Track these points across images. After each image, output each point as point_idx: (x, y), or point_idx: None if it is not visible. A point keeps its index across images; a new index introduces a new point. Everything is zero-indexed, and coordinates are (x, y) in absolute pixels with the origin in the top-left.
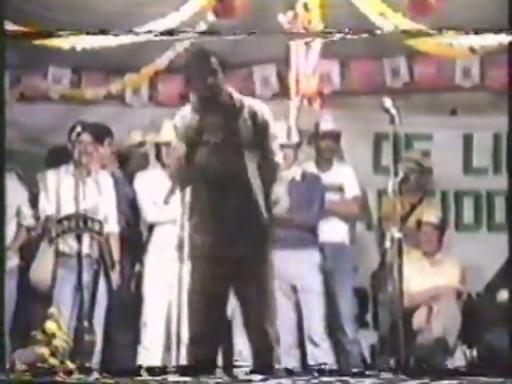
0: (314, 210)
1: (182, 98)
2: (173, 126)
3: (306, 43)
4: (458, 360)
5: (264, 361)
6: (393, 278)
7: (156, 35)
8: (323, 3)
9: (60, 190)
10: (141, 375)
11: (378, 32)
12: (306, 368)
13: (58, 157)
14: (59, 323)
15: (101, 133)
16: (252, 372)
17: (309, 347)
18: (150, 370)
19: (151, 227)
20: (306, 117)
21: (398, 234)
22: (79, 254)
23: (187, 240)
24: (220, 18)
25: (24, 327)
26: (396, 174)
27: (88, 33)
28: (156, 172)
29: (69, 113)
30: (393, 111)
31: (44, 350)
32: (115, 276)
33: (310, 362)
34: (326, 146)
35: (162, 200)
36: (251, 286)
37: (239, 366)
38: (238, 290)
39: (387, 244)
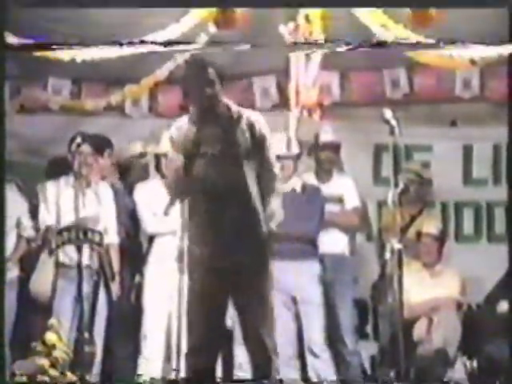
0: (313, 221)
1: (182, 109)
2: (169, 137)
3: (306, 54)
4: (458, 371)
5: (263, 372)
6: (393, 290)
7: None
8: (325, 15)
9: (60, 201)
10: None
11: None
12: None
13: (58, 168)
14: (59, 334)
15: (101, 144)
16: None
17: (309, 358)
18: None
19: (151, 238)
20: (306, 128)
21: (397, 245)
22: (79, 265)
23: (186, 251)
24: (221, 30)
25: (24, 338)
26: (396, 185)
27: (89, 45)
28: (156, 183)
29: (69, 124)
30: (393, 122)
31: (44, 361)
32: (115, 287)
33: (310, 373)
34: (325, 158)
35: (162, 211)
36: (249, 297)
37: (239, 378)
38: (237, 300)
39: (387, 255)
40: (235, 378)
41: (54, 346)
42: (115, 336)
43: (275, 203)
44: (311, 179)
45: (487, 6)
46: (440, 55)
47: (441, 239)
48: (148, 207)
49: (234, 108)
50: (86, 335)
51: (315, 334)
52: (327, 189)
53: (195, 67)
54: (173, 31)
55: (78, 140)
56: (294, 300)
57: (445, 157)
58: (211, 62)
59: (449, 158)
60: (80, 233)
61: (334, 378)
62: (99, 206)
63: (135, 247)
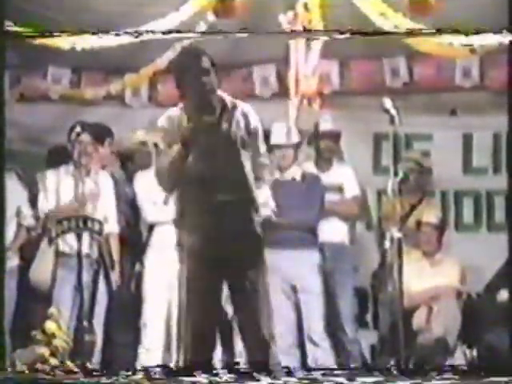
0: (313, 210)
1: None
2: (159, 126)
3: (306, 43)
4: (458, 360)
5: (262, 360)
6: (393, 278)
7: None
8: (323, 3)
9: (59, 190)
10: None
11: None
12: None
13: (58, 157)
14: (59, 323)
15: (101, 133)
16: (250, 371)
17: (309, 347)
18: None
19: (151, 227)
20: (306, 117)
21: (397, 234)
22: (79, 254)
23: (181, 241)
24: (220, 18)
25: (24, 327)
26: (396, 174)
27: (88, 32)
28: None
29: (68, 113)
30: (392, 111)
31: (44, 350)
32: (115, 276)
33: (310, 361)
34: (325, 146)
35: (162, 200)
36: (244, 286)
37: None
38: (231, 289)
39: (387, 244)
40: (235, 366)
41: (53, 335)
42: (115, 325)
43: (265, 193)
44: (311, 168)
45: None
46: (440, 44)
47: (441, 228)
48: (148, 196)
49: (228, 98)
50: (86, 324)
51: (315, 323)
52: (327, 178)
53: (189, 56)
54: (172, 20)
55: (78, 129)
56: (294, 289)
57: (445, 146)
58: (204, 51)
59: (449, 146)
60: (80, 222)
61: (334, 366)
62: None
63: (135, 236)
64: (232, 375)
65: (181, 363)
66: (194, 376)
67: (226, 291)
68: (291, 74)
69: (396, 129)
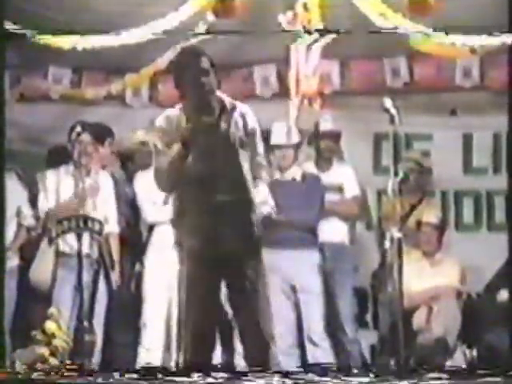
0: (313, 210)
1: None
2: (157, 127)
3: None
4: (457, 360)
5: (261, 361)
6: (393, 278)
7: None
8: (323, 3)
9: (60, 190)
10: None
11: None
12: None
13: (58, 157)
14: (59, 323)
15: (101, 133)
16: (249, 372)
17: (308, 347)
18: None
19: (151, 227)
20: (306, 117)
21: (397, 234)
22: (79, 254)
23: (179, 242)
24: (220, 18)
25: (24, 327)
26: (396, 174)
27: (88, 32)
28: None
29: (69, 113)
30: (393, 111)
31: (44, 350)
32: (115, 276)
33: (310, 361)
34: (325, 146)
35: (162, 200)
36: (242, 286)
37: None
38: (229, 289)
39: (387, 244)
40: (236, 366)
41: (53, 335)
42: (115, 325)
43: (264, 190)
44: (311, 168)
45: None
46: (440, 44)
47: (441, 228)
48: (148, 196)
49: (227, 99)
50: (86, 324)
51: (315, 323)
52: (327, 178)
53: (189, 56)
54: (171, 20)
55: (78, 129)
56: (294, 289)
57: (445, 146)
58: (205, 51)
59: (449, 146)
60: (80, 221)
61: (334, 366)
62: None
63: (135, 236)
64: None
65: (180, 363)
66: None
67: (225, 291)
68: (292, 74)
69: (396, 129)
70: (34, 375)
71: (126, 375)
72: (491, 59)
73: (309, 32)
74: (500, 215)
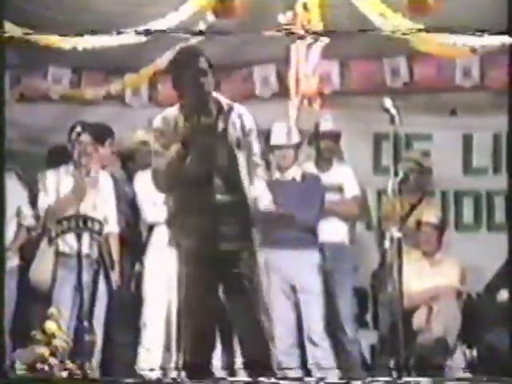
0: (313, 210)
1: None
2: (154, 127)
3: (307, 43)
4: (457, 360)
5: (261, 361)
6: (392, 278)
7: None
8: (322, 3)
9: (60, 190)
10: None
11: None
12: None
13: (58, 157)
14: (59, 323)
15: (101, 133)
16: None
17: (308, 347)
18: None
19: (151, 227)
20: (306, 117)
21: (397, 234)
22: (79, 254)
23: (175, 241)
24: (219, 18)
25: (24, 327)
26: (396, 174)
27: (88, 32)
28: None
29: (68, 113)
30: (393, 111)
31: (44, 350)
32: (115, 276)
33: (310, 361)
34: (325, 146)
35: (162, 200)
36: (241, 286)
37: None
38: (229, 289)
39: (387, 244)
40: (236, 367)
41: (53, 335)
42: (115, 325)
43: (260, 186)
44: (311, 168)
45: None
46: (440, 44)
47: (440, 228)
48: (148, 196)
49: (224, 100)
50: (86, 324)
51: (315, 323)
52: (327, 178)
53: (187, 56)
54: (171, 20)
55: (78, 129)
56: (294, 289)
57: (445, 146)
58: (203, 51)
59: (449, 146)
60: (80, 221)
61: (334, 366)
62: (99, 194)
63: (135, 236)
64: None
65: (180, 363)
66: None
67: (223, 291)
68: (291, 73)
69: (396, 129)
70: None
71: None
72: (491, 59)
73: (308, 32)
74: (500, 215)
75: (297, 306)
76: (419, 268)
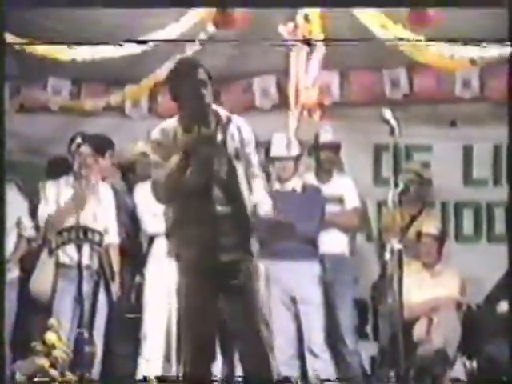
0: (314, 221)
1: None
2: (152, 139)
3: (307, 54)
4: (457, 371)
5: (261, 372)
6: (393, 290)
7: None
8: (324, 14)
9: (60, 201)
10: None
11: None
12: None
13: (58, 168)
14: (59, 334)
15: (101, 144)
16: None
17: (309, 358)
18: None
19: (151, 239)
20: (306, 128)
21: (397, 246)
22: (79, 265)
23: (175, 253)
24: (220, 29)
25: (24, 338)
26: (396, 186)
27: (88, 43)
28: None
29: (68, 124)
30: (393, 122)
31: (44, 361)
32: (115, 287)
33: (310, 373)
34: (325, 158)
35: (162, 211)
36: (242, 298)
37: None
38: (229, 301)
39: (387, 255)
40: (236, 377)
41: (53, 346)
42: (115, 336)
43: (260, 192)
44: (311, 179)
45: (486, 6)
46: (440, 55)
47: (441, 239)
48: (148, 208)
49: (222, 112)
50: (86, 335)
51: (315, 334)
52: (327, 189)
53: (186, 67)
54: (172, 31)
55: (78, 140)
56: (294, 300)
57: (445, 157)
58: (202, 63)
59: (449, 158)
60: (80, 232)
61: (334, 378)
62: (99, 206)
63: (135, 247)
64: None
65: (180, 374)
66: None
67: (223, 302)
68: (291, 85)
69: (396, 140)
70: None
71: None
72: (491, 70)
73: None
74: (500, 227)
75: (297, 318)
76: (419, 279)
